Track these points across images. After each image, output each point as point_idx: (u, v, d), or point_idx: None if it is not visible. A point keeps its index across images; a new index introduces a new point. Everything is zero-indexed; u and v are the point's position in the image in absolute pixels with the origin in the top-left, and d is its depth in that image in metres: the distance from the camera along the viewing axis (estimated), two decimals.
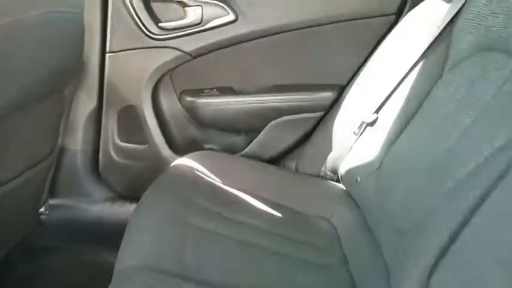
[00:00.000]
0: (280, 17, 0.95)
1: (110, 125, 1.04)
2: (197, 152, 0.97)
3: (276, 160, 1.07)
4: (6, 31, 0.61)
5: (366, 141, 0.88)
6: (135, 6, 0.92)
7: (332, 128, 0.97)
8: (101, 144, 1.07)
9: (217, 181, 0.90)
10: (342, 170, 0.93)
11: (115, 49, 0.97)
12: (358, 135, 0.90)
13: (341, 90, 0.99)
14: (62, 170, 1.07)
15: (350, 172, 0.90)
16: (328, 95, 1.00)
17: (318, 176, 0.99)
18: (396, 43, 0.90)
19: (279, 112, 1.01)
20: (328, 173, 0.98)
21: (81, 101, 1.01)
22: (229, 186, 0.89)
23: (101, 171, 1.10)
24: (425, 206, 0.66)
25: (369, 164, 0.84)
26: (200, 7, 0.94)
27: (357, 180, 0.87)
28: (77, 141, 1.05)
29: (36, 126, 0.82)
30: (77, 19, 0.79)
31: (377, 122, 0.86)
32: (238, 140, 1.07)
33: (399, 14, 0.94)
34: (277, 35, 0.96)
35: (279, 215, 0.86)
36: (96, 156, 1.08)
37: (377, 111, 0.87)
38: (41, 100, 0.78)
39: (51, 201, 1.10)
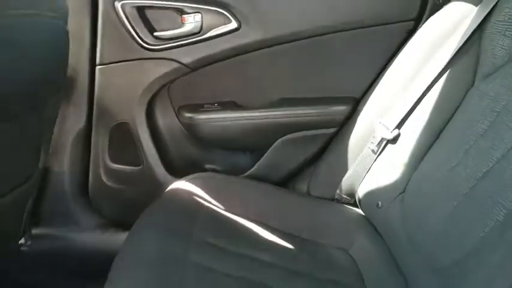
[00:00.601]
0: (288, 24, 0.86)
1: (100, 144, 0.95)
2: (197, 174, 0.87)
3: (285, 182, 0.97)
4: None
5: (387, 160, 0.78)
6: (127, 13, 0.84)
7: (347, 145, 0.87)
8: (91, 165, 0.97)
9: (219, 208, 0.80)
10: (360, 193, 0.82)
11: (106, 61, 0.88)
12: (377, 154, 0.80)
13: (356, 104, 0.90)
14: (46, 195, 0.97)
15: (370, 196, 0.80)
16: (341, 109, 0.90)
17: (333, 199, 0.89)
18: (416, 51, 0.81)
19: (288, 128, 0.92)
20: (344, 196, 0.88)
21: (68, 118, 0.92)
22: (234, 213, 0.79)
23: (91, 196, 1.00)
24: (469, 240, 0.55)
25: (392, 187, 0.74)
26: (199, 14, 0.85)
27: (378, 205, 0.77)
28: (64, 162, 0.95)
29: (10, 147, 0.72)
30: (60, 26, 0.70)
31: (399, 139, 0.76)
32: (242, 159, 0.97)
33: (419, 19, 0.85)
34: (284, 44, 0.87)
35: (291, 247, 0.75)
36: (85, 179, 0.98)
37: (398, 126, 0.77)
38: (17, 117, 0.68)
39: (33, 231, 0.99)
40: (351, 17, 0.85)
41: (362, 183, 0.83)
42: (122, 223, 1.01)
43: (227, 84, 0.93)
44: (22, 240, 0.96)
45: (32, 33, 0.65)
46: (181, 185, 0.84)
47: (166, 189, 0.84)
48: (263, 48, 0.88)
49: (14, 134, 0.68)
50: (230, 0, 0.84)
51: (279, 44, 0.87)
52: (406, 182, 0.73)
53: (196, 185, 0.84)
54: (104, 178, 0.97)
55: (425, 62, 0.78)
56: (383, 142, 0.79)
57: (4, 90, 0.58)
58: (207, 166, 0.98)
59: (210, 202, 0.81)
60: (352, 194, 0.86)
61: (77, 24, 0.85)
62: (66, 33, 0.73)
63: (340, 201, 0.88)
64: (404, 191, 0.73)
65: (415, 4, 0.84)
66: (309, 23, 0.85)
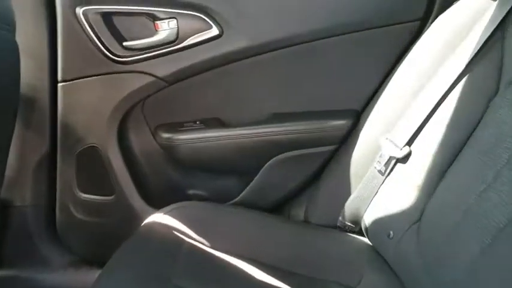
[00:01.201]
0: (278, 28, 0.75)
1: (67, 172, 0.83)
2: (177, 204, 0.75)
3: (279, 208, 0.85)
4: None
5: (397, 182, 0.67)
6: (91, 21, 0.72)
7: (349, 165, 0.76)
8: (57, 197, 0.85)
9: (203, 244, 0.68)
10: (366, 221, 0.71)
11: (68, 77, 0.76)
12: (385, 175, 0.69)
13: (357, 117, 0.79)
14: (8, 233, 0.84)
15: (378, 224, 0.69)
16: (341, 124, 0.79)
17: (335, 227, 0.78)
18: (425, 55, 0.71)
19: (280, 147, 0.80)
20: (348, 223, 0.77)
21: (28, 143, 0.80)
22: (220, 250, 0.68)
23: (59, 231, 0.87)
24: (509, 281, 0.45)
25: (405, 215, 0.63)
26: (174, 20, 0.74)
27: (389, 235, 0.65)
28: (26, 195, 0.83)
29: None
30: (7, 36, 0.58)
31: (410, 158, 0.66)
32: (230, 184, 0.85)
33: (425, 19, 0.74)
34: (274, 52, 0.76)
35: (288, 287, 0.64)
36: (52, 213, 0.86)
37: (409, 143, 0.66)
38: None
39: None
40: (348, 18, 0.75)
41: (368, 208, 0.71)
42: (96, 260, 0.89)
43: (209, 99, 0.81)
44: None
45: None
46: (159, 217, 0.72)
47: (142, 224, 0.72)
48: (249, 57, 0.77)
49: None
50: (209, 2, 0.73)
51: (268, 51, 0.77)
52: (422, 209, 0.62)
53: (176, 217, 0.72)
54: (73, 210, 0.85)
55: (436, 68, 0.67)
56: (391, 161, 0.68)
57: None
58: (190, 192, 0.86)
59: (192, 238, 0.69)
60: (357, 221, 0.75)
61: (33, 36, 0.74)
62: (15, 45, 0.61)
63: (343, 229, 0.77)
64: (420, 220, 0.61)
65: (421, 2, 0.74)
66: (302, 26, 0.75)
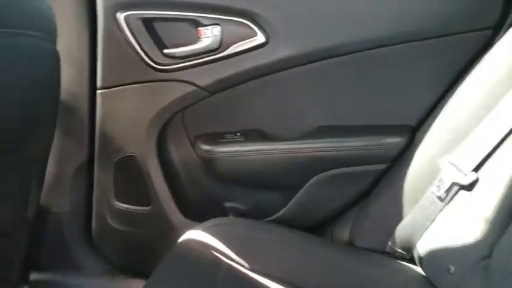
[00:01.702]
0: (329, 36, 0.69)
1: (105, 181, 0.81)
2: (215, 220, 0.72)
3: (321, 227, 0.80)
4: None
5: (460, 211, 0.60)
6: (132, 27, 0.69)
7: (402, 186, 0.70)
8: (94, 205, 0.83)
9: (243, 266, 0.64)
10: (420, 250, 0.65)
11: (108, 84, 0.74)
12: (445, 202, 0.62)
13: (412, 134, 0.72)
14: (45, 238, 0.84)
15: (436, 256, 0.62)
16: (394, 141, 0.72)
17: (383, 252, 0.72)
18: (497, 68, 0.63)
19: (326, 164, 0.75)
20: (398, 249, 0.70)
21: (67, 151, 0.79)
22: (260, 273, 0.64)
23: (95, 239, 0.86)
24: None
25: (471, 249, 0.57)
26: (218, 27, 0.70)
27: (449, 270, 0.59)
28: (63, 202, 0.82)
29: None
30: (46, 45, 0.56)
31: (477, 186, 0.58)
32: (270, 199, 0.81)
33: (498, 27, 0.66)
34: (323, 62, 0.71)
35: None
36: (89, 221, 0.85)
37: (476, 169, 0.59)
38: (3, 153, 0.56)
39: (32, 277, 0.86)
40: (411, 26, 0.67)
41: (423, 236, 0.65)
42: (131, 270, 0.87)
43: (251, 110, 0.77)
44: None
45: (10, 56, 0.52)
46: (198, 234, 0.69)
47: (180, 240, 0.69)
48: (296, 66, 0.72)
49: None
50: (256, 8, 0.69)
51: (316, 61, 0.71)
52: (491, 245, 0.55)
53: (215, 234, 0.69)
54: (109, 219, 0.84)
55: (510, 84, 0.60)
56: (453, 188, 0.61)
57: None
58: (228, 205, 0.82)
59: (231, 258, 0.65)
60: (408, 249, 0.69)
61: (74, 42, 0.72)
62: (55, 54, 0.59)
63: (392, 255, 0.71)
64: (490, 256, 0.55)
65: (495, 7, 0.66)
66: (354, 34, 0.68)
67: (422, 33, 0.67)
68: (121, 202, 0.82)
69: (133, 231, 0.84)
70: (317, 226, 0.80)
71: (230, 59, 0.71)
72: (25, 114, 0.55)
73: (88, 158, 0.80)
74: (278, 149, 0.75)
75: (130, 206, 0.82)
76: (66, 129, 0.77)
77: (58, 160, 0.78)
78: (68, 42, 0.70)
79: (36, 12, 0.55)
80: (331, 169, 0.75)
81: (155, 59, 0.71)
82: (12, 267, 0.73)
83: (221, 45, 0.70)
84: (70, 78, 0.73)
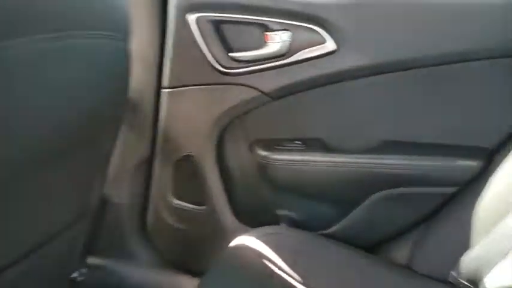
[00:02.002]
0: (405, 47, 0.65)
1: (163, 177, 0.82)
2: (269, 229, 0.71)
3: (377, 248, 0.76)
4: (22, 53, 0.42)
5: None
6: (202, 29, 0.70)
7: (472, 213, 0.64)
8: (151, 199, 0.85)
9: (295, 279, 0.63)
10: (489, 285, 0.60)
11: (173, 84, 0.75)
12: None
13: (489, 157, 0.66)
14: (104, 226, 0.88)
15: None
16: (469, 164, 0.67)
17: (445, 281, 0.67)
18: None
19: (389, 182, 0.71)
20: (463, 281, 0.65)
21: (130, 145, 0.81)
22: (311, 287, 0.62)
23: (149, 232, 0.89)
24: None
25: None
26: (288, 32, 0.68)
27: None
28: (123, 194, 0.85)
29: (66, 181, 0.63)
30: (120, 46, 0.58)
31: None
32: (325, 212, 0.78)
33: None
34: (394, 73, 0.67)
35: None
36: (144, 214, 0.87)
37: None
38: (75, 148, 0.58)
39: (89, 260, 0.91)
40: (491, 42, 0.62)
41: (494, 272, 0.60)
42: (181, 265, 0.89)
43: (314, 118, 0.74)
44: (75, 274, 0.88)
45: (86, 56, 0.53)
46: (251, 241, 0.68)
47: (232, 244, 0.69)
48: (365, 77, 0.69)
49: (73, 166, 0.58)
50: (328, 14, 0.66)
51: (388, 72, 0.67)
52: None
53: (268, 243, 0.68)
54: (165, 214, 0.85)
55: None
56: None
57: (65, 117, 0.49)
58: (281, 213, 0.81)
59: (283, 270, 0.64)
60: (474, 281, 0.64)
61: (143, 42, 0.73)
62: (127, 54, 0.61)
63: (456, 286, 0.66)
64: None
65: None
66: (432, 47, 0.64)
67: (507, 50, 0.61)
68: (177, 199, 0.83)
69: (186, 229, 0.85)
70: (372, 246, 0.76)
71: (296, 66, 0.69)
72: (99, 111, 0.57)
73: (150, 154, 0.82)
74: (339, 162, 0.72)
75: (186, 204, 0.83)
76: (130, 125, 0.80)
77: (121, 154, 0.81)
78: (138, 41, 0.71)
79: (113, 13, 0.56)
80: (395, 187, 0.71)
81: (221, 62, 0.71)
82: (75, 251, 0.77)
83: (288, 51, 0.69)
84: (137, 76, 0.74)
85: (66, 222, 0.68)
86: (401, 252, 0.73)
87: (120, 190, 0.84)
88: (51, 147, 0.53)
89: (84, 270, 0.93)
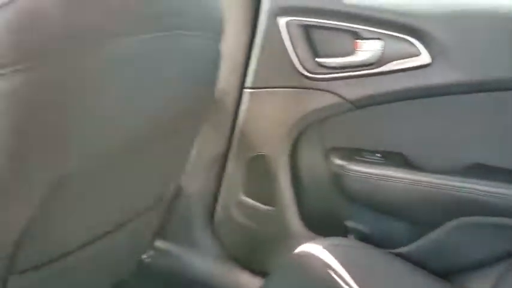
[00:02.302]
0: (507, 66, 0.60)
1: (235, 174, 0.84)
2: (337, 240, 0.69)
3: (453, 274, 0.71)
4: (126, 52, 0.45)
5: None
6: (291, 33, 0.70)
7: None
8: (221, 193, 0.88)
9: None
10: None
11: (256, 85, 0.76)
12: None
13: None
14: (175, 215, 0.92)
15: None
16: None
17: None
18: None
19: (478, 208, 0.65)
20: None
21: (208, 141, 0.84)
22: None
23: (216, 226, 0.91)
24: None
25: None
26: (381, 42, 0.65)
27: None
28: (196, 185, 0.88)
29: (150, 169, 0.67)
30: (212, 46, 0.60)
31: None
32: (398, 230, 0.75)
33: None
34: (491, 93, 0.62)
35: None
36: (214, 207, 0.90)
37: None
38: (162, 139, 0.62)
39: (157, 243, 0.96)
40: None
41: None
42: (243, 262, 0.90)
43: (398, 131, 0.71)
44: (144, 255, 0.94)
45: (182, 55, 0.56)
46: (317, 250, 0.67)
47: (298, 250, 0.69)
48: (459, 94, 0.64)
49: (156, 155, 0.62)
50: (426, 25, 0.63)
51: (484, 91, 0.62)
52: None
53: (335, 254, 0.66)
54: (233, 209, 0.87)
55: None
56: None
57: (161, 109, 0.52)
58: (350, 225, 0.79)
59: (349, 285, 0.62)
60: None
61: (232, 42, 0.75)
62: (218, 54, 0.63)
63: None
64: None
65: None
66: None
67: None
68: (247, 197, 0.85)
69: (252, 226, 0.86)
70: (447, 272, 0.71)
71: (385, 76, 0.67)
72: (187, 106, 0.59)
73: (225, 149, 0.84)
74: (421, 180, 0.68)
75: (254, 203, 0.84)
76: (210, 121, 0.82)
77: (198, 147, 0.84)
78: (227, 41, 0.73)
79: (209, 13, 0.58)
80: (479, 215, 0.66)
81: (307, 67, 0.71)
82: (148, 234, 0.82)
83: (379, 61, 0.66)
84: (222, 75, 0.77)
85: (145, 207, 0.72)
86: (482, 285, 0.68)
87: (193, 181, 0.88)
88: (141, 137, 0.56)
89: (152, 253, 0.98)
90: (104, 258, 0.70)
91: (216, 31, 0.60)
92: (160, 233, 0.96)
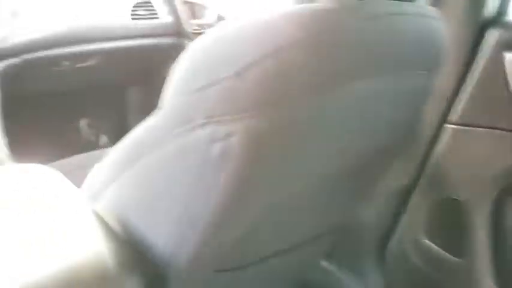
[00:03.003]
0: None
1: (418, 212, 0.78)
2: None
3: None
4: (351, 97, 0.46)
5: None
6: None
7: None
8: (398, 229, 0.82)
9: None
10: None
11: (461, 121, 0.69)
12: None
13: None
14: (346, 236, 0.91)
15: None
16: None
17: None
18: None
19: None
20: None
21: (394, 172, 0.80)
22: None
23: (386, 259, 0.86)
24: None
25: None
26: None
27: None
28: (372, 213, 0.85)
29: (338, 197, 0.67)
30: (428, 83, 0.56)
31: None
32: None
33: None
34: None
35: None
36: (387, 240, 0.85)
37: None
38: (361, 170, 0.61)
39: (322, 262, 0.96)
40: None
41: None
42: None
43: None
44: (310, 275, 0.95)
45: (401, 95, 0.54)
46: None
47: None
48: None
49: (350, 184, 0.62)
50: None
51: None
52: None
53: None
54: (408, 248, 0.81)
55: None
56: None
57: (351, 151, 0.53)
58: None
59: None
60: None
61: (443, 74, 0.69)
62: (430, 90, 0.59)
63: None
64: None
65: None
66: None
67: None
68: (428, 240, 0.78)
69: (428, 272, 0.78)
70: None
71: None
72: (389, 144, 0.58)
73: (410, 184, 0.79)
74: None
75: (437, 248, 0.76)
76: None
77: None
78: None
79: (433, 51, 0.54)
80: None
81: None
82: (318, 256, 0.83)
83: None
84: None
85: (325, 230, 0.72)
86: None
87: (370, 210, 0.85)
88: (338, 169, 0.56)
89: (317, 274, 0.99)
90: (274, 275, 0.73)
91: (436, 69, 0.56)
92: (328, 253, 0.96)
